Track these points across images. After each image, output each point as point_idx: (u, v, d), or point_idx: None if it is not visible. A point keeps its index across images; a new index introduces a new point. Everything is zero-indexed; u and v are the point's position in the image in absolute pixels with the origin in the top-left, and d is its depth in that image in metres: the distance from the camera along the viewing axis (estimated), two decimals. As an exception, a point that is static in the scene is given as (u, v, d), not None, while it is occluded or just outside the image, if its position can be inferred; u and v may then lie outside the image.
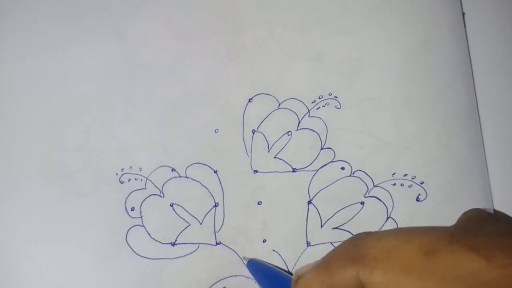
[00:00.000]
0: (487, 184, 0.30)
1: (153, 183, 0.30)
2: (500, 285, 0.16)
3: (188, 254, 0.29)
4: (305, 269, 0.22)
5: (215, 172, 0.30)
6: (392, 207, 0.29)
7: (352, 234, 0.29)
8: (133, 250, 0.28)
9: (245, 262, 0.28)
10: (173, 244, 0.29)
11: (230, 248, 0.29)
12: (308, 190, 0.30)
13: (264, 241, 0.29)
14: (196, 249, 0.29)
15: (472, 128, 0.30)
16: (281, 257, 0.29)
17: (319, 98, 0.31)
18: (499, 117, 0.31)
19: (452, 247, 0.17)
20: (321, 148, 0.30)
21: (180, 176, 0.30)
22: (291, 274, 0.27)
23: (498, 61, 0.31)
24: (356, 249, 0.20)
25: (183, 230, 0.29)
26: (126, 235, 0.28)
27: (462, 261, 0.17)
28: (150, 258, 0.28)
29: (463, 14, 0.32)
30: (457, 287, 0.16)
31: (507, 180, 0.30)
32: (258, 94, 0.31)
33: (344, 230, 0.29)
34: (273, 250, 0.29)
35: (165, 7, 0.32)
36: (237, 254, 0.29)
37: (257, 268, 0.28)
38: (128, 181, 0.29)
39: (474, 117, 0.31)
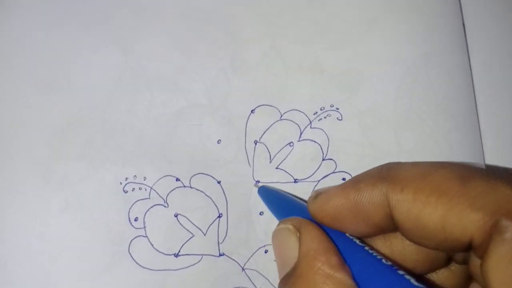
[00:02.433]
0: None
1: (157, 192, 0.28)
2: None
3: (191, 265, 0.27)
4: (326, 188, 0.21)
5: (219, 182, 0.28)
6: (393, 218, 0.28)
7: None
8: (135, 261, 0.27)
9: (256, 189, 0.27)
10: (176, 255, 0.27)
11: (233, 259, 0.27)
12: (310, 201, 0.28)
13: (266, 251, 0.28)
14: (199, 260, 0.27)
15: (472, 140, 0.29)
16: (283, 267, 0.28)
17: (320, 109, 0.29)
18: (500, 128, 0.29)
19: (487, 177, 0.16)
20: (323, 159, 0.29)
21: (184, 186, 0.28)
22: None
23: (498, 72, 0.30)
24: (389, 171, 0.18)
25: (186, 241, 0.28)
26: (129, 245, 0.27)
27: (496, 189, 0.16)
28: (153, 269, 0.27)
29: (464, 25, 0.30)
30: (486, 212, 0.15)
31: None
32: (260, 105, 0.29)
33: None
34: (275, 261, 0.28)
35: (168, 20, 0.30)
36: (239, 265, 0.27)
37: (268, 194, 0.26)
38: (132, 190, 0.28)
39: (475, 129, 0.29)
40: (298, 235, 0.19)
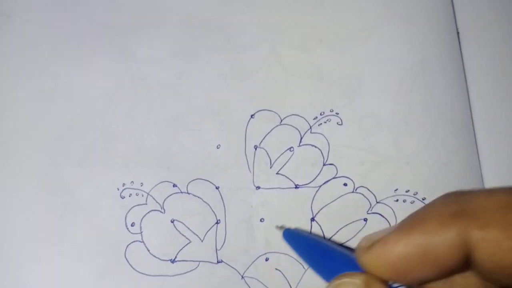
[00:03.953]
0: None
1: (154, 198, 0.27)
2: None
3: (188, 271, 0.26)
4: (381, 233, 0.17)
5: (217, 188, 0.28)
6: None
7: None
8: (131, 266, 0.26)
9: (280, 232, 0.24)
10: (173, 261, 0.26)
11: (232, 267, 0.26)
12: (311, 207, 0.27)
13: (267, 259, 0.26)
14: (197, 267, 0.26)
15: (468, 146, 0.29)
16: (284, 276, 0.26)
17: (320, 114, 0.29)
18: (495, 134, 0.29)
19: None
20: (323, 164, 0.28)
21: (181, 192, 0.27)
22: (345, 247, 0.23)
23: (492, 78, 0.30)
24: (459, 204, 0.15)
25: (183, 247, 0.26)
26: (125, 251, 0.26)
27: None
28: (149, 275, 0.26)
29: (458, 33, 0.31)
30: None
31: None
32: (260, 110, 0.29)
33: (348, 248, 0.27)
34: (276, 269, 0.26)
35: (168, 26, 0.31)
36: (239, 273, 0.26)
37: (297, 239, 0.23)
38: (129, 196, 0.27)
39: (470, 134, 0.29)
40: None
